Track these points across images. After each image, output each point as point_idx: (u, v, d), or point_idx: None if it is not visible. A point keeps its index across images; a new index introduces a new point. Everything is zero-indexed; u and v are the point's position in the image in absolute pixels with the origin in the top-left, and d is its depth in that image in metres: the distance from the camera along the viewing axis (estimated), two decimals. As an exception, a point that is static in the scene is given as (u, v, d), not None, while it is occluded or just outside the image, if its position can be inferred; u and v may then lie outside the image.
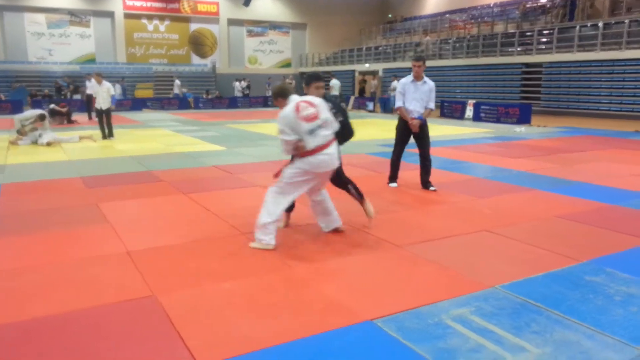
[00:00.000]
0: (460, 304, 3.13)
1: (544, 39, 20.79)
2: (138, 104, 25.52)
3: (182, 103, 26.53)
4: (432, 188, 6.39)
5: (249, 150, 10.39)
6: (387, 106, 22.73)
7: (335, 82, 20.36)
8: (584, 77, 18.86)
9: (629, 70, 17.44)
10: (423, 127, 6.49)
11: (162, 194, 6.31)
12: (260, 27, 35.48)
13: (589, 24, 19.52)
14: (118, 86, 26.69)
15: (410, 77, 6.49)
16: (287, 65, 36.51)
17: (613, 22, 18.93)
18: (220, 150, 10.48)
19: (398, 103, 6.52)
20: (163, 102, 26.26)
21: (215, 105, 27.17)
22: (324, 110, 4.18)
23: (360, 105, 25.04)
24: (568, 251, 4.04)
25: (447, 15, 30.09)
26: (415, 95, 6.40)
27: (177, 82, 27.17)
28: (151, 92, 29.36)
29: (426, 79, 6.46)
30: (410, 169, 7.41)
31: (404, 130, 6.58)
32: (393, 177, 6.78)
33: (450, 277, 3.57)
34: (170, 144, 11.40)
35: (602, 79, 18.28)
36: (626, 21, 17.94)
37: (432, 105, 6.48)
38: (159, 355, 2.57)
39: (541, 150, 10.16)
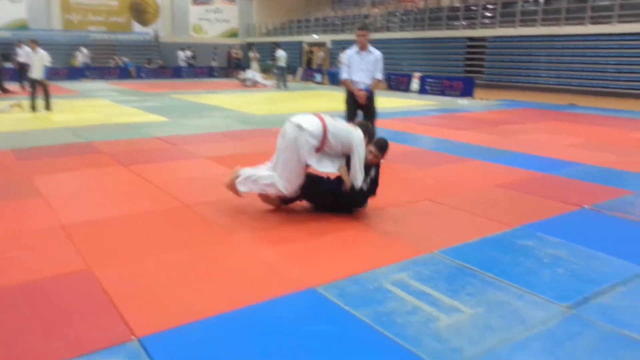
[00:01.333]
0: (400, 269, 3.21)
1: (488, 14, 21.22)
2: (75, 73, 24.34)
3: (122, 73, 25.53)
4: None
5: (194, 121, 10.14)
6: (335, 78, 22.68)
7: (281, 54, 20.03)
8: (525, 52, 19.46)
9: (567, 46, 18.12)
10: (370, 98, 6.39)
11: (101, 165, 6.08)
12: (206, -6, 34.36)
13: (530, 0, 20.05)
14: (85, 50, 25.49)
15: (355, 48, 6.34)
16: (234, 35, 35.62)
17: (553, -2, 19.52)
18: (163, 121, 10.18)
19: (343, 75, 6.39)
20: (102, 72, 25.18)
21: (158, 75, 26.30)
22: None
23: (308, 77, 24.88)
24: (503, 218, 4.21)
25: (395, -12, 30.07)
26: (361, 66, 6.26)
27: (84, 50, 25.91)
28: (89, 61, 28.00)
29: (372, 48, 6.35)
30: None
31: (352, 102, 6.44)
32: None
33: (392, 244, 3.65)
34: (109, 115, 10.97)
35: (542, 54, 18.92)
36: (565, -3, 18.55)
37: (379, 75, 6.37)
38: (95, 329, 2.51)
39: (483, 122, 10.46)
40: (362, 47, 6.28)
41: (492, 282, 3.04)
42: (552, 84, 18.48)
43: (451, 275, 3.14)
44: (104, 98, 15.02)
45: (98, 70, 25.24)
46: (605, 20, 17.18)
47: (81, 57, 26.02)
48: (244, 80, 21.10)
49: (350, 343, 2.41)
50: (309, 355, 2.31)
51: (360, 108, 6.45)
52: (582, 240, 3.72)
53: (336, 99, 15.47)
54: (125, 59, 27.09)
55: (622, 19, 16.78)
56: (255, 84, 20.79)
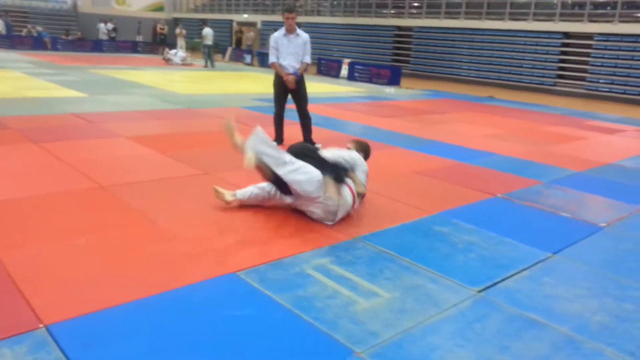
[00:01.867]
0: (321, 254, 3.25)
1: (416, 4, 21.73)
2: (-19, 41, 22.41)
3: (36, 43, 23.78)
4: (317, 145, 6.15)
5: (114, 98, 9.66)
6: (265, 60, 22.40)
7: (207, 31, 19.39)
8: (449, 44, 20.16)
9: (487, 39, 18.96)
10: (300, 83, 6.26)
11: (8, 142, 5.66)
12: (130, -36, 32.62)
13: (455, -7, 20.74)
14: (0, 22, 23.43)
15: (282, 31, 6.20)
16: (160, 9, 34.16)
17: (476, -8, 20.30)
18: (80, 97, 9.62)
19: (272, 58, 6.21)
20: (14, 41, 23.32)
21: (76, 48, 24.74)
22: None
23: (237, 57, 24.40)
24: (422, 204, 4.36)
25: (327, -28, 30.03)
26: (289, 49, 6.14)
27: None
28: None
29: (299, 31, 6.25)
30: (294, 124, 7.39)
31: (281, 87, 6.28)
32: (278, 138, 6.37)
33: (313, 230, 3.68)
34: (20, 88, 10.22)
35: (464, 47, 19.68)
36: (487, -7, 19.36)
37: (307, 59, 6.27)
38: (-3, 317, 2.35)
39: (407, 111, 10.76)
40: (290, 30, 6.15)
41: (409, 267, 3.15)
42: (473, 77, 19.30)
43: (371, 260, 3.22)
44: (15, 70, 13.95)
45: (9, 39, 23.35)
46: (522, 17, 18.12)
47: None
48: (168, 60, 20.33)
49: (270, 327, 2.42)
50: (229, 340, 2.30)
51: (290, 93, 6.34)
52: (494, 227, 3.94)
53: (264, 82, 15.31)
54: (39, 29, 25.22)
55: (537, 17, 17.77)
56: (184, 63, 20.11)
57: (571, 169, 6.18)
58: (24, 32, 25.35)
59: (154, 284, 2.73)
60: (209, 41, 19.26)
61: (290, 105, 6.54)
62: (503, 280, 3.07)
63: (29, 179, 4.45)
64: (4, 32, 23.87)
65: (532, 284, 3.05)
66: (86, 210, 3.78)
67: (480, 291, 2.91)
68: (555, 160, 6.58)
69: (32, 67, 15.15)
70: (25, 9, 27.25)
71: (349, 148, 4.44)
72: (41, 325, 2.30)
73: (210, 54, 19.45)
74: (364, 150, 4.48)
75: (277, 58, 6.18)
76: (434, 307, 2.70)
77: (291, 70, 6.17)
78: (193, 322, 2.41)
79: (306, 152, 3.83)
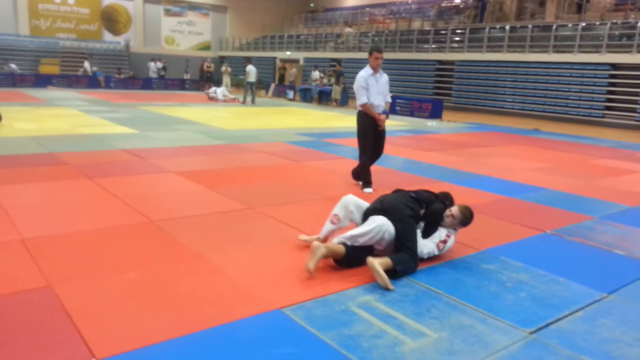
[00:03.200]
0: (366, 291, 3.23)
1: (457, 38, 21.78)
2: (42, 81, 23.78)
3: (91, 82, 25.03)
4: (367, 190, 6.00)
5: (163, 134, 10.02)
6: (306, 95, 22.83)
7: (250, 68, 19.87)
8: (492, 77, 20.01)
9: (531, 72, 18.73)
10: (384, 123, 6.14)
11: (65, 178, 5.94)
12: (179, 6, 34.17)
13: (497, 27, 20.70)
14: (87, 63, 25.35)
15: (369, 70, 5.96)
16: (207, 48, 35.51)
17: (519, 26, 20.18)
18: (131, 133, 10.02)
19: (363, 99, 5.90)
20: (71, 80, 24.65)
21: (127, 86, 25.90)
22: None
23: (280, 93, 24.95)
24: (468, 240, 4.28)
25: (367, 9, 30.62)
26: (377, 88, 5.96)
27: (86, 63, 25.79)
28: (57, 69, 27.45)
29: (381, 70, 6.10)
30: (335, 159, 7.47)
31: (371, 128, 6.03)
32: (368, 181, 6.15)
33: (358, 267, 3.65)
34: (76, 125, 10.74)
35: (507, 79, 19.48)
36: (529, 26, 19.23)
37: (389, 98, 6.19)
38: (54, 349, 2.43)
39: (450, 145, 10.67)
40: (377, 70, 5.99)
41: (456, 306, 3.09)
42: (517, 109, 19.02)
43: (417, 298, 3.17)
44: (71, 107, 14.70)
45: (66, 79, 24.72)
46: (567, 49, 17.84)
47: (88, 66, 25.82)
48: (212, 98, 20.99)
49: (316, 367, 2.40)
50: (274, 379, 2.29)
51: (375, 133, 6.12)
52: (544, 265, 3.82)
53: (307, 116, 15.57)
54: (94, 68, 26.62)
55: (583, 49, 17.46)
56: (225, 99, 20.69)
57: (623, 203, 5.95)
58: (80, 71, 26.79)
59: (201, 319, 2.76)
60: (252, 78, 19.78)
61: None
62: (556, 321, 2.96)
63: (84, 213, 4.64)
64: (90, 72, 25.55)
65: (587, 326, 2.92)
66: (136, 244, 3.89)
67: (532, 332, 2.81)
68: (606, 195, 6.36)
69: (86, 104, 15.93)
70: (82, 50, 28.83)
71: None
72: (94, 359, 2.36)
73: (253, 90, 19.97)
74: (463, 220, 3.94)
75: (368, 98, 5.94)
76: (484, 348, 2.62)
77: (381, 110, 6.02)
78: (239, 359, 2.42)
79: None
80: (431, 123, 15.37)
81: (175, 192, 5.59)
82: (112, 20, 31.96)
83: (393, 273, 3.39)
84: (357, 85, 5.98)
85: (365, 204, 3.95)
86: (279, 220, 4.66)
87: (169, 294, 3.07)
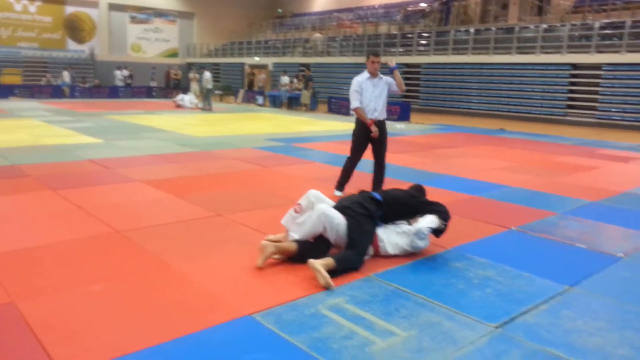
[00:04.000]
0: (336, 294, 3.25)
1: (423, 41, 22.11)
2: (3, 91, 23.16)
3: (55, 92, 24.50)
4: (337, 192, 5.92)
5: (129, 143, 9.88)
6: (276, 101, 22.82)
7: (207, 75, 19.73)
8: (458, 78, 20.37)
9: (495, 73, 19.15)
10: (382, 130, 5.83)
11: (28, 190, 5.79)
12: (145, 13, 33.72)
13: (462, 29, 21.10)
14: (66, 73, 24.86)
15: (365, 74, 5.78)
16: (174, 55, 35.14)
17: (483, 28, 20.62)
18: (96, 142, 9.85)
19: (355, 103, 5.74)
20: (33, 90, 24.08)
21: (93, 95, 25.44)
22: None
23: (249, 98, 24.87)
24: (436, 240, 4.34)
25: (335, 14, 30.82)
26: (374, 93, 5.75)
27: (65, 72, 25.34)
28: (19, 79, 26.78)
29: (380, 75, 5.86)
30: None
31: (364, 135, 5.82)
32: (342, 184, 6.05)
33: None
34: (39, 136, 10.49)
35: (473, 81, 19.86)
36: (493, 28, 19.68)
37: (397, 87, 5.82)
38: (16, 365, 2.37)
39: (418, 146, 10.82)
40: (375, 74, 5.78)
41: (425, 304, 3.13)
42: (482, 109, 19.40)
43: (386, 298, 3.21)
44: (34, 118, 14.35)
45: (28, 89, 24.12)
46: (530, 50, 18.31)
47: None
48: (179, 105, 20.79)
49: (286, 370, 2.41)
50: (244, 384, 2.29)
51: (370, 140, 5.90)
52: (509, 261, 3.91)
53: (276, 122, 15.56)
54: (66, 80, 26.07)
55: (544, 50, 17.95)
56: (193, 107, 20.50)
57: (585, 199, 6.14)
58: (43, 81, 26.19)
59: (170, 329, 2.74)
60: (208, 85, 19.65)
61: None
62: (521, 315, 3.03)
63: (47, 226, 4.53)
64: (69, 82, 25.25)
65: (551, 318, 3.01)
66: (103, 256, 3.83)
67: (498, 327, 2.87)
68: (569, 191, 6.55)
69: (50, 114, 15.58)
70: (45, 59, 28.19)
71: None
72: (60, 373, 2.32)
73: (209, 96, 19.89)
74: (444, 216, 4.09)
75: (361, 103, 5.77)
76: (452, 345, 2.67)
77: (377, 115, 5.78)
78: (209, 366, 2.41)
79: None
80: (400, 125, 15.55)
81: (143, 201, 5.51)
82: (75, 29, 31.32)
83: (334, 272, 3.46)
84: (351, 90, 5.83)
85: (329, 202, 4.02)
86: (247, 226, 4.65)
87: (136, 305, 3.03)
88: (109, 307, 2.98)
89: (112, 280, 3.36)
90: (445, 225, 3.98)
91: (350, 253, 3.65)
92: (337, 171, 7.43)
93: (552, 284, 3.50)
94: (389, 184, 6.46)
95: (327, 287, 3.30)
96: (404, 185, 6.53)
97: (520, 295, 3.31)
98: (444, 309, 3.08)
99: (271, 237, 4.06)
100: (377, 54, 5.70)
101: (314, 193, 4.03)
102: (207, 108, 19.68)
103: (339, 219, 3.73)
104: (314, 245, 3.77)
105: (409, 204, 4.09)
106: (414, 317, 2.97)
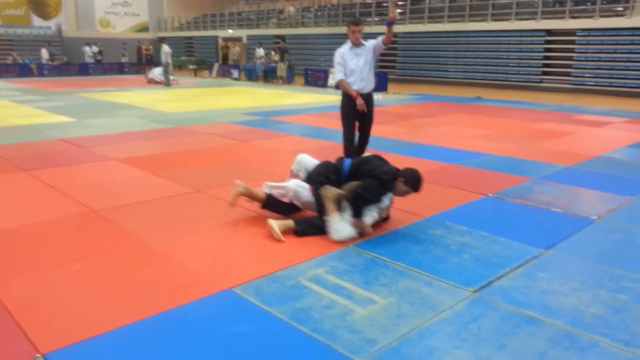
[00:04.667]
0: (316, 265, 3.27)
1: (399, 10, 21.90)
2: (-32, 71, 22.39)
3: (22, 70, 23.76)
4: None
5: (103, 121, 9.67)
6: (252, 74, 22.51)
7: (165, 49, 18.91)
8: (434, 47, 20.33)
9: (471, 41, 19.15)
10: (369, 102, 5.57)
11: (-1, 172, 5.66)
12: (113, -13, 32.76)
13: (437, -3, 20.97)
14: (45, 50, 24.12)
15: (347, 45, 5.50)
16: (144, 29, 34.31)
17: (457, -5, 20.52)
18: (69, 121, 9.62)
19: (339, 76, 5.48)
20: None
21: (62, 73, 24.73)
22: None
23: (224, 72, 24.48)
24: (415, 208, 4.38)
25: (309, -17, 30.30)
26: (359, 63, 5.45)
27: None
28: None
29: (364, 42, 5.52)
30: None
31: (351, 107, 5.51)
32: None
33: (308, 240, 3.69)
34: (8, 116, 10.20)
35: (449, 49, 19.85)
36: (468, -5, 19.59)
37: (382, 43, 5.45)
38: (-6, 348, 2.34)
39: (396, 117, 10.82)
40: (357, 44, 5.48)
41: (404, 272, 3.17)
42: (459, 78, 19.46)
43: (366, 267, 3.24)
44: (3, 98, 13.93)
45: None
46: (505, 17, 18.32)
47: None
48: (151, 80, 20.30)
49: (268, 341, 2.42)
50: (227, 357, 2.30)
51: (357, 115, 5.60)
52: (486, 227, 3.97)
53: (253, 95, 15.39)
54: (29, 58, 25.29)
55: (520, 16, 17.98)
56: (168, 82, 20.07)
57: (561, 164, 6.24)
58: (10, 60, 25.36)
59: (149, 306, 2.73)
60: (167, 59, 18.83)
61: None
62: (498, 279, 3.09)
63: (21, 208, 4.44)
64: (49, 60, 24.73)
65: (526, 281, 3.07)
66: (79, 236, 3.77)
67: (475, 291, 2.93)
68: (545, 157, 6.64)
69: (19, 94, 15.14)
70: (10, 37, 27.24)
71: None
72: (38, 355, 2.29)
73: (167, 71, 19.21)
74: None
75: (345, 75, 5.49)
76: (430, 310, 2.71)
77: (364, 86, 5.49)
78: (190, 343, 2.41)
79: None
80: (377, 96, 15.42)
81: (118, 179, 5.43)
82: (40, 4, 30.29)
83: (296, 233, 3.76)
84: (334, 62, 5.58)
85: (314, 162, 4.23)
86: (226, 201, 4.61)
87: (115, 283, 3.00)
88: (88, 287, 2.95)
89: (90, 260, 3.32)
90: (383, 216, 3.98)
91: (312, 218, 3.87)
92: (316, 144, 7.42)
93: (528, 248, 3.57)
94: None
95: (278, 240, 3.64)
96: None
97: (497, 259, 3.37)
98: (422, 275, 3.12)
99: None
100: (357, 23, 5.44)
101: (300, 158, 4.31)
102: (165, 83, 19.15)
103: (307, 197, 3.95)
104: (281, 202, 4.04)
105: (367, 175, 3.92)
106: (393, 284, 3.00)
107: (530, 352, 2.35)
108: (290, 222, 3.78)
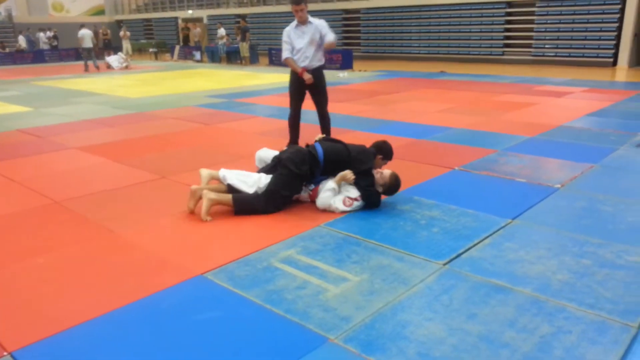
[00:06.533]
0: (288, 246, 3.25)
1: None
2: None
3: (-28, 59, 22.71)
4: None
5: (61, 109, 9.35)
6: (215, 55, 22.08)
7: (84, 32, 18.10)
8: (397, 22, 20.30)
9: (434, 15, 19.19)
10: (319, 79, 5.58)
11: (-48, 166, 5.42)
12: (64, -32, 31.45)
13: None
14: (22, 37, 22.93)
15: (294, 23, 5.53)
16: (100, 12, 33.15)
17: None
18: (25, 111, 9.27)
19: (285, 54, 5.52)
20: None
21: (16, 60, 23.76)
22: None
23: (186, 55, 23.94)
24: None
25: (268, -39, 29.70)
26: (305, 40, 5.45)
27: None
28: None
29: (312, 19, 5.54)
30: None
31: (297, 84, 5.59)
32: (293, 142, 5.77)
33: (278, 222, 3.67)
34: (-40, 108, 9.76)
35: (412, 24, 19.86)
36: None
37: (330, 37, 5.49)
38: (-44, 349, 2.26)
39: (361, 94, 10.81)
40: (303, 22, 5.47)
41: (375, 248, 3.19)
42: (423, 53, 19.52)
43: (337, 246, 3.25)
44: (-49, 89, 13.32)
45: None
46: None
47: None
48: (109, 66, 19.68)
49: (241, 325, 2.41)
50: (200, 344, 2.28)
51: (309, 91, 5.65)
52: (454, 200, 4.02)
53: (216, 77, 15.11)
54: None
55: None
56: (121, 67, 19.49)
57: (524, 135, 6.35)
58: (17, 47, 24.24)
59: (119, 296, 2.67)
60: (86, 44, 18.20)
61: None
62: (466, 250, 3.15)
63: (-22, 202, 4.27)
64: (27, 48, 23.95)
65: (494, 251, 3.13)
66: (43, 228, 3.66)
67: (445, 264, 2.97)
68: (508, 128, 6.75)
69: (-30, 85, 14.50)
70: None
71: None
72: (6, 354, 2.23)
73: (91, 57, 18.57)
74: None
75: (291, 52, 5.51)
76: (402, 284, 2.74)
77: (307, 62, 5.50)
78: (163, 331, 2.37)
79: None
80: (342, 74, 15.43)
81: (80, 168, 5.27)
82: (-14, -12, 28.89)
83: (235, 211, 3.83)
84: (282, 40, 5.61)
85: (273, 153, 4.29)
86: (189, 185, 4.54)
87: (82, 275, 2.93)
88: (54, 279, 2.87)
89: (54, 252, 3.23)
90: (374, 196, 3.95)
91: (256, 197, 3.84)
92: (282, 124, 7.34)
93: (495, 219, 3.64)
94: (333, 133, 6.46)
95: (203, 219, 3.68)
96: (347, 135, 6.55)
97: (465, 231, 3.43)
98: (393, 251, 3.15)
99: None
100: (297, 2, 5.38)
101: (257, 156, 4.49)
102: (88, 71, 18.35)
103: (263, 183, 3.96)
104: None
105: (343, 161, 3.99)
106: (364, 261, 3.02)
107: (500, 320, 2.40)
108: (227, 197, 3.81)
